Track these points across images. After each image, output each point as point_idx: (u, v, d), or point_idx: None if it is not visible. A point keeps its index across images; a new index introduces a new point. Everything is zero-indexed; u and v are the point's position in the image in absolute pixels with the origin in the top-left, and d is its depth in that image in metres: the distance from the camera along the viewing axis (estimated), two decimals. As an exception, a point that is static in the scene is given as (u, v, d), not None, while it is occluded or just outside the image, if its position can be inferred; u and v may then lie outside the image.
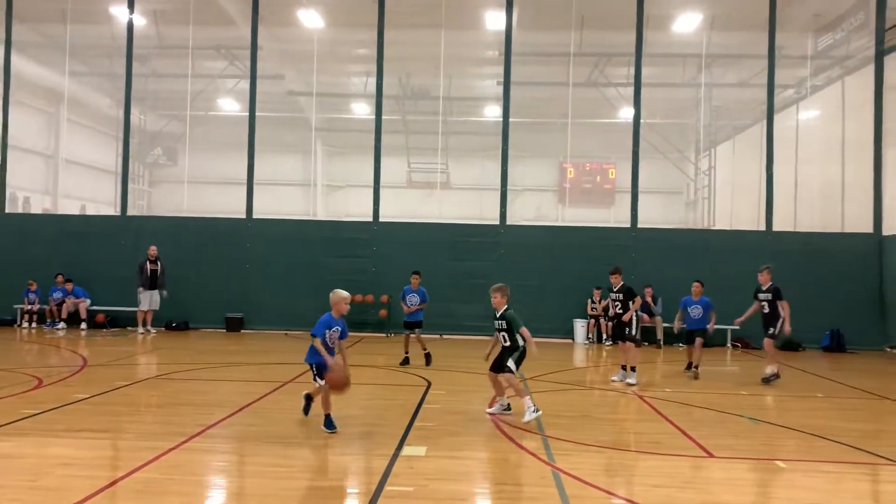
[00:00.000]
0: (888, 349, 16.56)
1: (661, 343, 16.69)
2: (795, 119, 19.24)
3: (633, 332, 11.10)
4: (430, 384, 10.22)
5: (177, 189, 20.28)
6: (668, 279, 16.97)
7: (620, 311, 11.17)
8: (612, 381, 11.16)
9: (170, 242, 17.69)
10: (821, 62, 19.05)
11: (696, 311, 12.12)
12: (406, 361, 12.29)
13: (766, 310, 11.70)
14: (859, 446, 7.38)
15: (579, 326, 16.85)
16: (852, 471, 6.64)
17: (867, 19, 17.68)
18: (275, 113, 21.22)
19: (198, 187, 20.67)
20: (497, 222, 18.04)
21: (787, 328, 11.35)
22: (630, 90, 18.27)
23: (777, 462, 6.79)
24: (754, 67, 18.69)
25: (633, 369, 11.01)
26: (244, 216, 18.34)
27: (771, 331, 11.60)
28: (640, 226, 17.88)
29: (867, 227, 17.49)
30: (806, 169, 18.33)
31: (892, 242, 17.02)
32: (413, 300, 12.21)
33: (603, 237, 17.62)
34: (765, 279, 11.77)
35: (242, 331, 17.57)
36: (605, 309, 13.40)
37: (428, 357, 12.26)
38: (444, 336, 17.11)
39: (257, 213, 18.39)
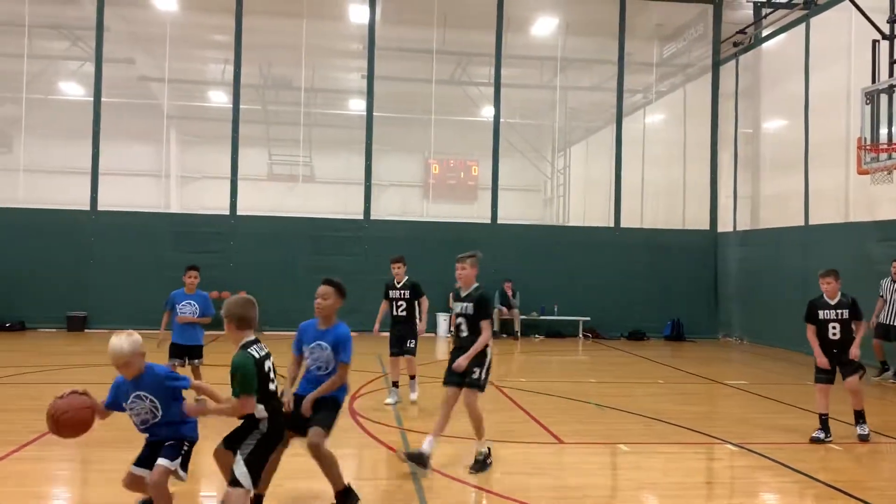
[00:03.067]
0: (722, 337, 17.98)
1: (519, 335, 17.24)
2: (642, 122, 20.45)
3: (413, 343, 8.97)
4: (288, 381, 10.01)
5: (11, 178, 18.61)
6: (527, 273, 17.58)
7: (404, 314, 8.95)
8: (386, 403, 8.73)
9: (2, 236, 16.22)
10: (665, 69, 20.35)
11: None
12: None
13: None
14: (694, 428, 7.96)
15: (441, 320, 17.10)
16: (687, 450, 7.15)
17: (706, 31, 19.10)
18: (124, 99, 19.92)
19: (36, 176, 19.04)
20: (361, 217, 17.94)
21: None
22: (491, 90, 18.71)
23: (620, 445, 7.20)
24: (606, 72, 19.67)
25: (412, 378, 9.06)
26: (88, 208, 17.13)
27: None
28: (500, 222, 18.39)
29: (705, 224, 18.92)
30: (651, 169, 19.52)
31: (724, 238, 18.51)
32: (187, 310, 8.05)
33: (466, 232, 17.92)
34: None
35: (87, 330, 16.42)
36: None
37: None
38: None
39: (103, 205, 17.23)
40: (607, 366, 13.67)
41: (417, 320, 9.03)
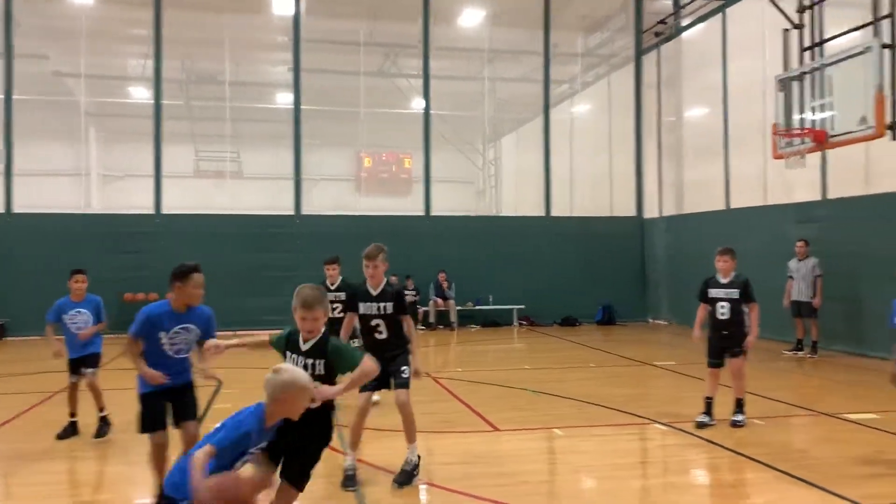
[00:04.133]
0: (651, 320, 18.50)
1: (455, 325, 17.33)
2: (570, 112, 20.79)
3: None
4: (220, 384, 9.78)
5: (-85, 181, 17.57)
6: (461, 264, 17.68)
7: (341, 316, 6.95)
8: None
9: None
10: (590, 60, 20.73)
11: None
12: (72, 430, 6.99)
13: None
14: (626, 409, 8.17)
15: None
16: (620, 432, 7.33)
17: (628, 22, 19.54)
18: (37, 96, 19.08)
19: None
20: (293, 212, 17.69)
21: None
22: (421, 82, 18.68)
23: (555, 430, 7.33)
24: (533, 63, 19.89)
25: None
26: (3, 210, 16.35)
27: None
28: (434, 214, 18.42)
29: (632, 210, 19.39)
30: (580, 158, 19.89)
31: (650, 224, 19.02)
32: (79, 321, 7.05)
33: (400, 225, 17.88)
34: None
35: (6, 338, 15.70)
36: None
37: (104, 424, 6.97)
38: (239, 332, 16.47)
39: (20, 207, 16.48)
40: (541, 352, 13.90)
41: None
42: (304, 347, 4.30)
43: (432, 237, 17.92)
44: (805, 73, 10.93)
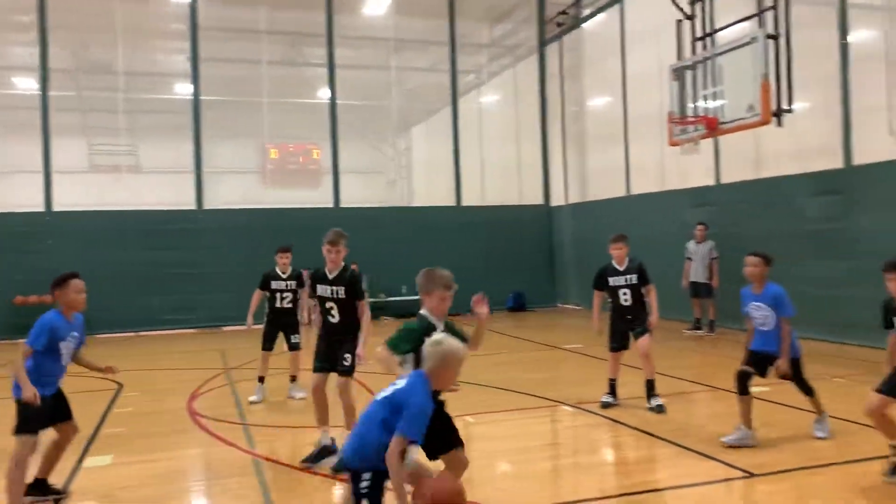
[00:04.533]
0: (560, 305, 18.93)
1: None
2: (478, 103, 20.94)
3: (298, 338, 8.70)
4: (121, 387, 9.36)
5: None
6: (373, 256, 17.54)
7: (290, 306, 8.62)
8: (252, 401, 8.27)
9: None
10: (495, 50, 20.93)
11: None
12: None
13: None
14: (536, 393, 8.32)
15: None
16: (530, 415, 7.47)
17: (531, 12, 19.81)
18: None
19: None
20: (195, 207, 17.09)
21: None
22: (326, 71, 18.37)
23: (467, 417, 7.37)
24: (440, 53, 19.90)
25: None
26: None
27: None
28: (344, 205, 18.20)
29: (539, 199, 19.76)
30: (489, 148, 20.08)
31: (558, 212, 19.43)
32: None
33: (309, 217, 17.52)
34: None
35: None
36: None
37: None
38: (141, 333, 15.84)
39: None
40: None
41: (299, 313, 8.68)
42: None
43: (342, 229, 17.71)
44: (697, 62, 11.35)
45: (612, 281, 7.54)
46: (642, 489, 5.16)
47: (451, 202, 19.12)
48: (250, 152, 23.08)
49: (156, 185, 19.26)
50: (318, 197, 19.74)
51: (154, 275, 16.04)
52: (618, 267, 7.54)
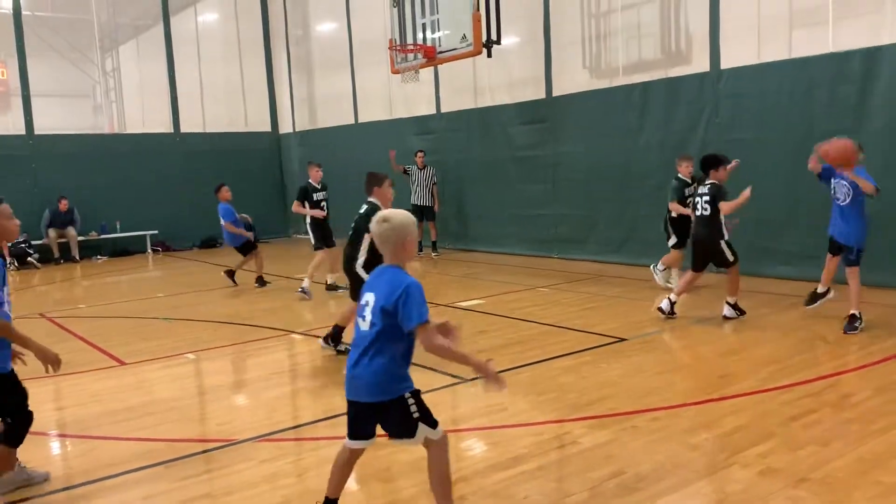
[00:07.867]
0: (293, 235, 18.70)
1: (78, 258, 15.56)
2: (195, 21, 19.35)
3: None
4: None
5: None
6: (81, 189, 15.79)
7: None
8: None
9: None
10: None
11: None
12: None
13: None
14: (262, 324, 8.20)
15: None
16: (254, 347, 7.33)
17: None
18: None
19: None
20: None
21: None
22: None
23: (188, 355, 7.04)
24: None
25: None
26: None
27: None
28: (39, 132, 15.99)
29: (267, 126, 19.09)
30: (209, 70, 18.76)
31: (286, 139, 18.96)
32: None
33: (-6, 147, 15.23)
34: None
35: None
36: None
37: None
38: None
39: None
40: (178, 277, 13.29)
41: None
42: None
43: (40, 160, 15.67)
44: (416, -11, 11.50)
45: (318, 196, 10.14)
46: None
47: (168, 129, 17.71)
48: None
49: None
50: (5, 123, 17.18)
51: None
52: (316, 185, 10.16)
